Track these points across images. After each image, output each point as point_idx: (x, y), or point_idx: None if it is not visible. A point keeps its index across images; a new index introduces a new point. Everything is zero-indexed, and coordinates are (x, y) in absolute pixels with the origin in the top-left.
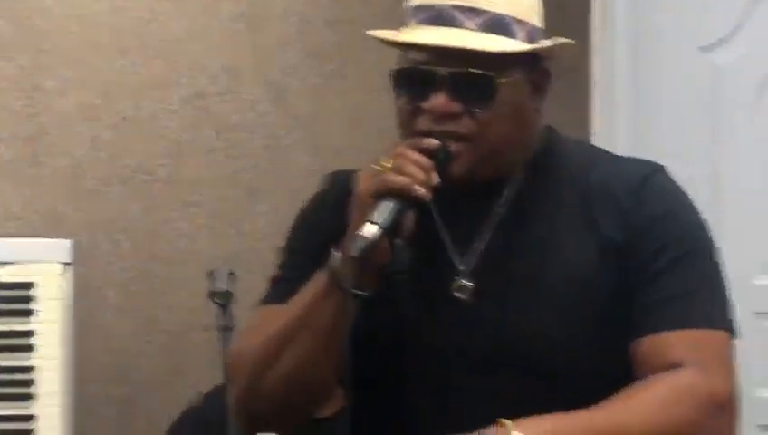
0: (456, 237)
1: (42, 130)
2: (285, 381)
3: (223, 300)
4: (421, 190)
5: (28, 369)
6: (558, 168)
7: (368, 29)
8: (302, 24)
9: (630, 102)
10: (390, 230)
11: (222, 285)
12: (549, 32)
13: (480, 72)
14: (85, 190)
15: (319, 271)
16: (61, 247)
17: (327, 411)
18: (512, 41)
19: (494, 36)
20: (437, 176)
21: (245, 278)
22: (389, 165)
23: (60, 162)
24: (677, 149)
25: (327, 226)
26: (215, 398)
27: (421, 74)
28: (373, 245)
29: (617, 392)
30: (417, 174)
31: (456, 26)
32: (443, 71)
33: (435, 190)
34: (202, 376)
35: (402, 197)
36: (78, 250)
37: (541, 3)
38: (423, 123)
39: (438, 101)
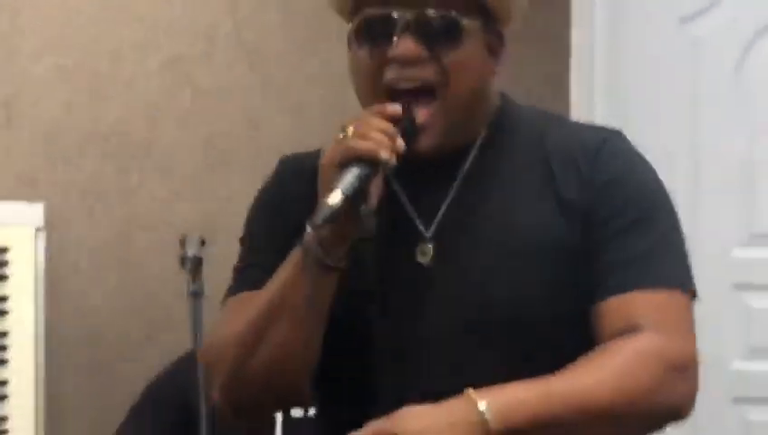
0: (417, 204)
1: (16, 92)
2: (269, 366)
3: (193, 266)
4: (386, 154)
5: (2, 334)
6: (515, 132)
7: None
8: None
9: (609, 73)
10: (356, 196)
11: (192, 252)
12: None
13: (445, 12)
14: (59, 154)
15: (289, 251)
16: (35, 211)
17: None
18: None
19: None
20: (402, 141)
21: (221, 242)
22: (352, 132)
23: (34, 125)
24: (657, 120)
25: (286, 208)
26: (187, 363)
27: (385, 21)
28: (337, 211)
29: (583, 356)
30: (381, 139)
31: None
32: (408, 14)
33: (399, 156)
34: (175, 341)
35: (367, 162)
36: (51, 214)
37: None
38: (389, 73)
39: (406, 45)
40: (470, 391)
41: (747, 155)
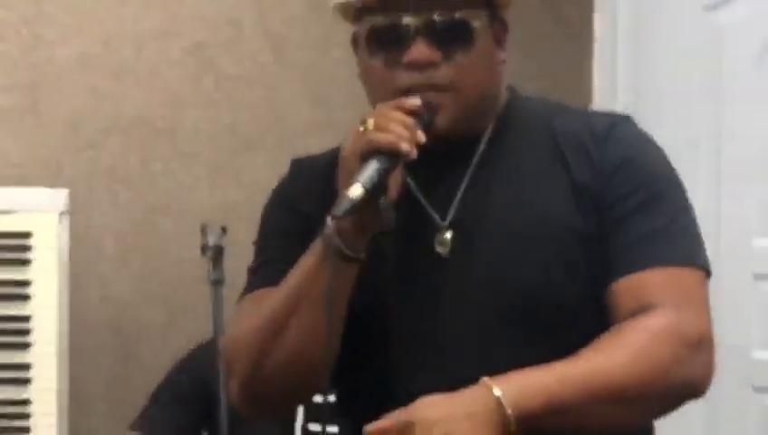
0: (431, 195)
1: (41, 79)
2: (289, 359)
3: (213, 254)
4: (406, 146)
5: (25, 318)
6: (525, 121)
7: None
8: None
9: (632, 62)
10: (376, 189)
11: (214, 241)
12: None
13: (458, 16)
14: (84, 140)
15: (304, 250)
16: (58, 197)
17: None
18: None
19: None
20: (421, 133)
21: (243, 229)
22: (372, 125)
23: (59, 112)
24: (679, 109)
25: (300, 208)
26: (207, 349)
27: (395, 28)
28: (357, 204)
29: (599, 336)
30: (400, 131)
31: None
32: (420, 19)
33: (420, 148)
34: (198, 327)
35: (387, 155)
36: (75, 200)
37: None
38: (404, 78)
39: (420, 50)
40: (485, 378)
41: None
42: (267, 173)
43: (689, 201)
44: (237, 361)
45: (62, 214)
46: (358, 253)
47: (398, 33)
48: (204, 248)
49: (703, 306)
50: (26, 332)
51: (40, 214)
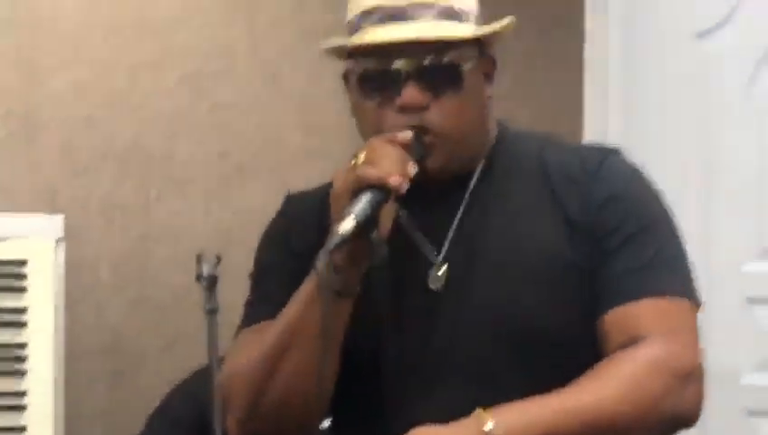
0: (424, 231)
1: (36, 107)
2: (284, 395)
3: (208, 283)
4: (397, 180)
5: (21, 345)
6: (515, 156)
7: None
8: (296, 3)
9: (623, 89)
10: (368, 223)
11: (208, 269)
12: (542, 17)
13: (446, 60)
14: (79, 167)
15: (298, 284)
16: (54, 224)
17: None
18: (467, 26)
19: (450, 23)
20: (413, 166)
21: (238, 256)
22: (363, 159)
23: (54, 139)
24: (670, 136)
25: (294, 242)
26: (202, 377)
27: (389, 72)
28: (348, 237)
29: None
30: (391, 165)
31: (413, 20)
32: (411, 64)
33: (412, 183)
34: (193, 353)
35: (378, 189)
36: (71, 227)
37: None
38: (395, 120)
39: (411, 94)
40: (479, 410)
41: (760, 169)
42: (261, 200)
43: (679, 233)
44: (234, 397)
45: (58, 240)
46: (351, 288)
47: (390, 77)
48: (199, 277)
49: (692, 337)
50: (22, 359)
51: (36, 241)
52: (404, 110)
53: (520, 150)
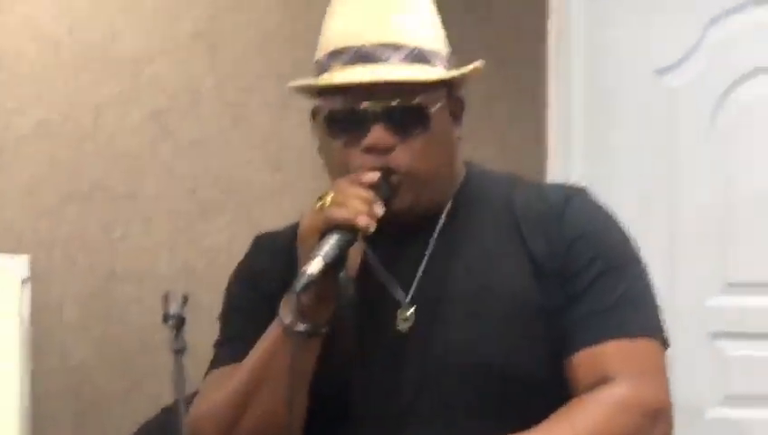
0: (392, 272)
1: (0, 146)
2: None
3: (175, 323)
4: (364, 221)
5: None
6: (483, 195)
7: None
8: (261, 41)
9: (586, 125)
10: (336, 264)
11: (175, 309)
12: (505, 55)
13: (414, 102)
14: (43, 207)
15: (267, 325)
16: (18, 264)
17: None
18: (436, 69)
19: (419, 66)
20: (381, 206)
21: (204, 295)
22: (330, 200)
23: (18, 179)
24: (634, 173)
25: (262, 283)
26: (171, 416)
27: (357, 113)
28: (316, 278)
29: (559, 409)
30: (358, 206)
31: (382, 62)
32: (379, 106)
33: (378, 222)
34: (159, 392)
35: (345, 229)
36: (35, 267)
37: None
38: (362, 160)
39: (378, 136)
40: None
41: (722, 204)
42: (226, 238)
43: (646, 270)
44: None
45: (23, 281)
46: (319, 329)
47: (357, 118)
48: (166, 317)
49: (660, 377)
50: None
51: (1, 280)
52: (371, 150)
53: (487, 191)
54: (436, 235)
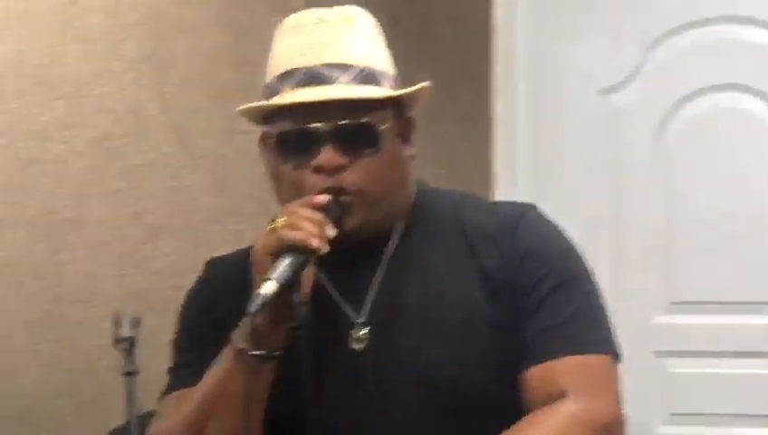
0: (345, 292)
1: None
2: None
3: (127, 346)
4: (316, 242)
5: None
6: (435, 214)
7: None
8: (206, 65)
9: (532, 145)
10: (289, 285)
11: (126, 332)
12: (449, 74)
13: (364, 120)
14: None
15: (221, 348)
16: None
17: None
18: (385, 89)
19: (368, 87)
20: (332, 228)
21: (152, 318)
22: (282, 223)
23: None
24: (579, 191)
25: (215, 307)
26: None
27: (307, 134)
28: (269, 300)
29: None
30: (310, 228)
31: (331, 83)
32: (328, 126)
33: (330, 243)
34: (107, 416)
35: (298, 251)
36: None
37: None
38: (313, 182)
39: (327, 156)
40: None
41: (666, 223)
42: (172, 261)
43: (597, 286)
44: None
45: None
46: (273, 350)
47: (307, 139)
48: (117, 340)
49: (612, 392)
50: None
51: None
52: (321, 171)
53: (438, 209)
54: (388, 254)
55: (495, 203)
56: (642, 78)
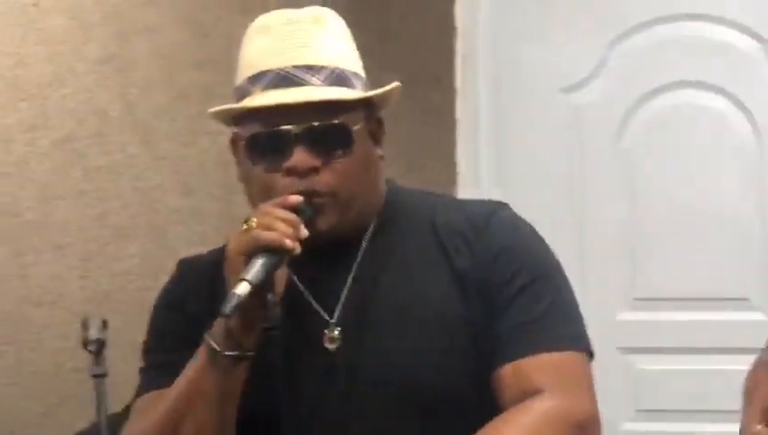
0: (317, 292)
1: None
2: None
3: (95, 348)
4: (290, 243)
5: None
6: (406, 214)
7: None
8: (169, 66)
9: (494, 143)
10: (263, 285)
11: (94, 334)
12: (413, 75)
13: (336, 122)
14: None
15: (193, 349)
16: None
17: None
18: (356, 90)
19: (340, 88)
20: (305, 229)
21: (117, 319)
22: (256, 223)
23: None
24: (542, 189)
25: (187, 307)
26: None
27: (275, 136)
28: (243, 300)
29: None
30: (284, 228)
31: (302, 84)
32: (300, 127)
33: (303, 243)
34: (74, 418)
35: (272, 251)
36: None
37: None
38: (285, 184)
39: (300, 157)
40: None
41: (628, 221)
42: (138, 262)
43: (568, 283)
44: None
45: None
46: (246, 351)
47: (279, 141)
48: (85, 342)
49: (587, 388)
50: None
51: None
52: (293, 173)
53: (409, 209)
54: (360, 254)
55: (466, 201)
56: (604, 76)
